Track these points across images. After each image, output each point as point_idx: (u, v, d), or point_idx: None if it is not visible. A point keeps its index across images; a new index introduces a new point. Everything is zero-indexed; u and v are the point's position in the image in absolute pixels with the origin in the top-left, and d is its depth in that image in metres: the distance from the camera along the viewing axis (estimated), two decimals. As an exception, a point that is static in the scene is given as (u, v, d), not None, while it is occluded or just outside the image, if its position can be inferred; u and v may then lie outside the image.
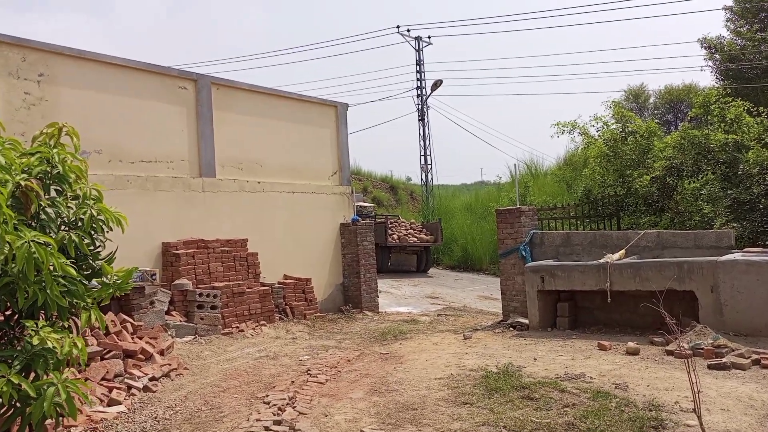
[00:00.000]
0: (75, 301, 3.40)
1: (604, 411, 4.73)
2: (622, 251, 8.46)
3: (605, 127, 13.72)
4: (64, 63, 8.50)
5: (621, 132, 13.46)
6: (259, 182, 10.92)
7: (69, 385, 3.03)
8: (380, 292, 13.77)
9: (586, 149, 14.29)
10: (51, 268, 3.14)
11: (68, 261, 3.37)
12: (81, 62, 8.70)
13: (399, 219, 21.62)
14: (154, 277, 8.07)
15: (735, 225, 10.31)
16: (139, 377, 5.87)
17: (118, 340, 6.33)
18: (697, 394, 4.05)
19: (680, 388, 5.16)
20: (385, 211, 26.70)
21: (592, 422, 4.49)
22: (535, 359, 6.74)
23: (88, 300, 3.51)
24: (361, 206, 22.47)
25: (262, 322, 9.51)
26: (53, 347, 3.05)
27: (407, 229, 20.10)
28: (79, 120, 8.44)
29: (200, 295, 8.77)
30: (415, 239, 19.73)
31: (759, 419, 4.53)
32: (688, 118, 14.71)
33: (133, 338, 6.59)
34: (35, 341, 3.00)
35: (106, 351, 6.04)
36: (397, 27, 29.38)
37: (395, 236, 19.35)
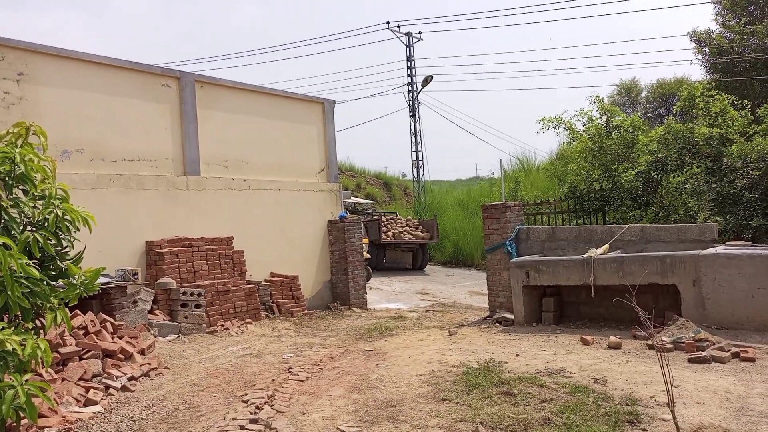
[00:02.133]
0: (40, 302, 3.37)
1: (581, 406, 4.74)
2: (606, 246, 8.47)
3: (590, 121, 13.71)
4: (44, 62, 8.42)
5: (605, 126, 13.48)
6: (244, 180, 10.88)
7: (30, 388, 3.00)
8: (370, 288, 13.74)
9: (576, 144, 14.26)
10: (12, 269, 3.11)
11: (32, 262, 3.34)
12: (62, 61, 8.63)
13: (396, 216, 21.38)
14: (136, 276, 8.03)
15: (719, 219, 10.33)
16: (117, 377, 5.83)
17: (97, 340, 6.28)
18: (670, 389, 4.06)
19: (658, 383, 5.15)
20: (379, 208, 26.61)
21: (568, 417, 4.50)
22: (517, 354, 6.75)
23: (54, 301, 3.48)
24: (357, 203, 22.36)
25: (247, 320, 9.48)
26: (13, 349, 3.02)
27: (403, 226, 19.90)
28: (60, 119, 8.42)
29: (184, 293, 8.73)
30: (411, 236, 19.49)
31: (734, 412, 4.54)
32: (674, 111, 14.72)
33: (113, 338, 6.55)
34: (-6, 343, 2.97)
35: (84, 351, 6.00)
36: (387, 23, 29.29)
37: (390, 233, 19.16)
